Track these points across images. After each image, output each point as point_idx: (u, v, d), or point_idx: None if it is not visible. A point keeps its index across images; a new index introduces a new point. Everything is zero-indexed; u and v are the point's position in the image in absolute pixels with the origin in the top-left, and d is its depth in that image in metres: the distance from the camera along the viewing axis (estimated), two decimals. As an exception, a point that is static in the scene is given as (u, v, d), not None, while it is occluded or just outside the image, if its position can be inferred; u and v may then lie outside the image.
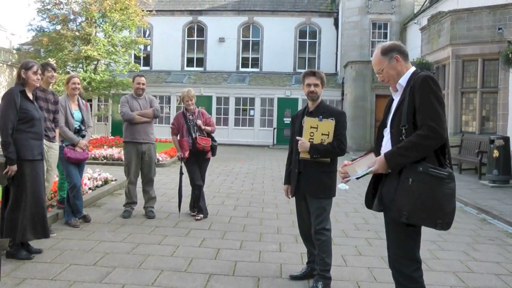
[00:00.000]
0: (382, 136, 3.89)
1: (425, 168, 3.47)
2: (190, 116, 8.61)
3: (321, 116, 5.19)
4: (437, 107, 3.52)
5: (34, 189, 5.83)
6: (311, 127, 5.16)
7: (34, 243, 6.09)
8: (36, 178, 5.87)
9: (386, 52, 3.85)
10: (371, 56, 25.48)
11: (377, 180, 3.87)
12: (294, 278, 5.54)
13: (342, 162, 4.09)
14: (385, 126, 3.87)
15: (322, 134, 5.15)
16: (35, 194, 5.84)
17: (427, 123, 3.49)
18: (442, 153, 3.63)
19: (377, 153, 3.85)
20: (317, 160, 5.18)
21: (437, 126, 3.47)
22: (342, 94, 29.57)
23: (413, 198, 3.47)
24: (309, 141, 5.15)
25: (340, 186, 4.35)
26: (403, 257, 3.67)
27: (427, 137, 3.48)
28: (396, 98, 3.82)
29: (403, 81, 3.78)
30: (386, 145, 3.78)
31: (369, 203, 3.95)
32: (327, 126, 5.15)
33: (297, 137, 5.25)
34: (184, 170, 8.73)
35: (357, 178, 3.90)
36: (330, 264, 5.25)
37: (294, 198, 5.55)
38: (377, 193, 3.84)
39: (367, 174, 3.80)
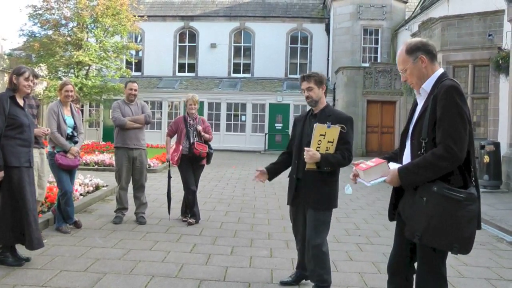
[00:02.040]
0: (405, 144, 3.66)
1: (440, 189, 3.23)
2: (191, 121, 8.64)
3: (329, 122, 4.77)
4: (457, 124, 3.26)
5: (20, 197, 5.70)
6: (320, 135, 4.74)
7: (24, 251, 6.01)
8: (22, 186, 5.73)
9: (411, 50, 3.56)
10: (363, 62, 25.38)
11: (398, 192, 3.68)
12: (284, 283, 5.50)
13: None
14: (408, 133, 3.63)
15: (328, 142, 4.76)
16: (21, 202, 5.70)
17: (445, 142, 3.25)
18: (468, 170, 3.37)
19: (400, 161, 3.66)
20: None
21: (454, 146, 3.22)
22: (334, 99, 29.63)
23: (426, 219, 3.25)
24: (316, 150, 4.76)
25: (346, 190, 4.18)
26: (427, 272, 3.47)
27: (442, 157, 3.24)
28: (420, 103, 3.58)
29: (427, 86, 3.52)
30: (407, 157, 3.59)
31: (391, 216, 3.79)
32: (334, 132, 4.75)
33: (306, 148, 4.80)
34: (173, 174, 8.77)
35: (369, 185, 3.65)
36: (328, 281, 4.99)
37: (285, 204, 5.45)
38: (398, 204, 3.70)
39: (379, 182, 3.58)
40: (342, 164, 4.84)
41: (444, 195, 3.22)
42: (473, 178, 3.39)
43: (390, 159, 3.80)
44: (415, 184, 3.38)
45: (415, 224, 3.34)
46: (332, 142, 4.76)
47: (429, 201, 3.27)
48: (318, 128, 4.76)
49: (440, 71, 3.55)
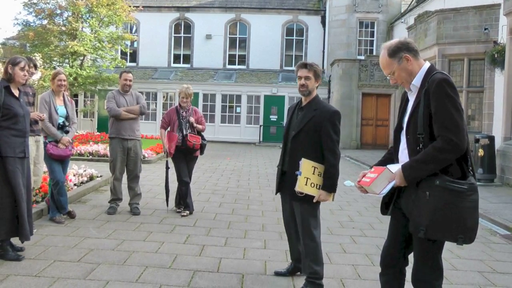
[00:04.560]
0: (399, 140, 3.66)
1: (443, 182, 3.25)
2: (184, 113, 8.59)
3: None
4: (453, 115, 3.27)
5: (13, 187, 5.63)
6: (312, 167, 4.80)
7: (17, 241, 5.97)
8: (16, 176, 5.67)
9: (393, 53, 3.56)
10: (358, 55, 25.32)
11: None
12: (278, 274, 5.51)
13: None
14: (401, 129, 3.64)
15: (317, 171, 4.84)
16: (14, 192, 5.64)
17: (444, 134, 3.27)
18: (465, 160, 3.38)
19: (395, 158, 3.68)
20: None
21: (454, 137, 3.24)
22: (329, 92, 29.63)
23: (430, 213, 3.25)
24: (310, 185, 4.80)
25: (346, 182, 4.16)
26: (424, 264, 3.49)
27: (443, 150, 3.25)
28: (411, 99, 3.59)
29: (416, 81, 3.53)
30: (403, 152, 3.59)
31: (383, 210, 3.79)
32: (310, 163, 4.83)
33: (322, 201, 4.90)
34: (170, 164, 8.76)
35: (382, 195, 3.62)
36: (319, 273, 4.95)
37: (279, 196, 5.47)
38: (392, 199, 3.68)
39: (390, 189, 3.54)
40: (337, 169, 4.89)
41: (447, 187, 3.23)
42: (470, 168, 3.41)
43: (387, 161, 3.79)
44: (419, 179, 3.37)
45: (419, 218, 3.33)
46: (316, 167, 4.83)
47: (432, 194, 3.27)
48: (305, 163, 4.80)
49: (426, 65, 3.57)
